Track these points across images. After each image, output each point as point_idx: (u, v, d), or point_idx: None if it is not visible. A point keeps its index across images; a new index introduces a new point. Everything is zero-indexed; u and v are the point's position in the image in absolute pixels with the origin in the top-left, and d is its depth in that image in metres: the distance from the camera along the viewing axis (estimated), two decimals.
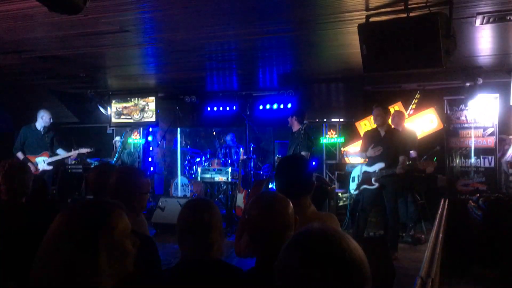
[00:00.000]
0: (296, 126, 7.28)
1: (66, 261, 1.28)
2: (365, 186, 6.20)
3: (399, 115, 7.23)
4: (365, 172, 6.22)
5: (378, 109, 6.17)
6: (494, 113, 7.98)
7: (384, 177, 6.01)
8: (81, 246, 1.30)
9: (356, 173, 6.52)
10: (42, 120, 8.21)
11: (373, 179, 6.08)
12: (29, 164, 7.70)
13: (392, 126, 6.56)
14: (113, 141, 10.89)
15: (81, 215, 1.37)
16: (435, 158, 7.09)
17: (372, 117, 8.53)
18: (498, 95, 7.96)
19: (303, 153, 6.88)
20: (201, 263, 2.11)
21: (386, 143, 6.06)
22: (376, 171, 6.07)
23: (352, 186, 6.57)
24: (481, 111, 8.09)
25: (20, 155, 8.02)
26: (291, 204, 2.08)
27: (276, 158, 8.15)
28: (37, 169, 7.94)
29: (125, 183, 2.66)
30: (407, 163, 6.14)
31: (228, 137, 9.92)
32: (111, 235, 1.35)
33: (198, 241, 2.13)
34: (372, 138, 6.25)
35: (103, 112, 10.63)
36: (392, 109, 8.57)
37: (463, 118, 8.23)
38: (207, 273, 2.08)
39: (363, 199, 6.27)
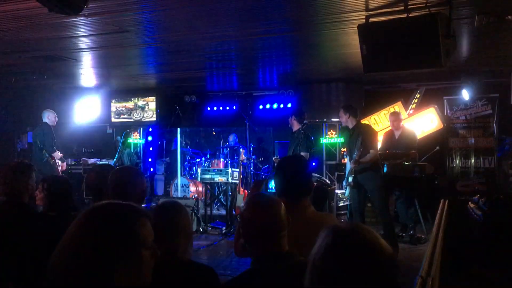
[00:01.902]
0: (296, 126, 7.27)
1: (83, 267, 1.23)
2: (345, 184, 6.33)
3: (395, 116, 7.23)
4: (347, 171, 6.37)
5: (340, 110, 6.33)
6: (494, 113, 7.98)
7: (355, 173, 6.07)
8: (100, 253, 1.24)
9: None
10: (48, 120, 8.25)
11: (349, 177, 6.17)
12: (63, 163, 8.19)
13: (361, 123, 6.60)
14: (114, 140, 10.89)
15: (104, 220, 1.30)
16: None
17: (372, 117, 8.62)
18: (498, 95, 7.97)
19: (302, 153, 6.89)
20: (165, 265, 2.17)
21: (353, 141, 6.18)
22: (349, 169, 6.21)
23: (343, 184, 6.66)
24: (481, 111, 8.09)
25: (57, 154, 8.11)
26: (283, 206, 2.09)
27: (274, 158, 8.13)
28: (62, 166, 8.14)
29: (123, 183, 2.71)
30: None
31: (231, 138, 9.91)
32: (132, 244, 1.30)
33: (163, 244, 2.18)
34: (346, 137, 6.49)
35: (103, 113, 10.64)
36: (392, 108, 8.58)
37: (463, 118, 8.24)
38: (172, 274, 2.12)
39: (351, 197, 6.33)
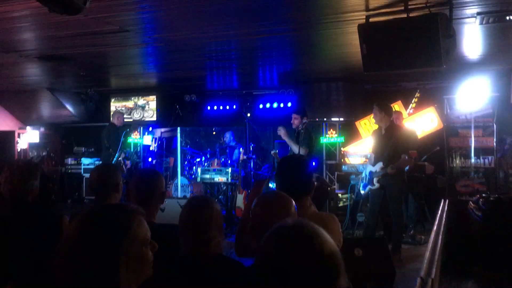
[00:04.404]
0: (297, 124, 7.20)
1: (85, 269, 1.25)
2: (369, 186, 6.18)
3: (395, 115, 7.20)
4: (370, 172, 6.21)
5: (375, 107, 6.12)
6: (494, 113, 7.98)
7: (383, 177, 5.97)
8: (103, 255, 1.26)
9: (365, 173, 6.49)
10: (117, 120, 8.68)
11: (374, 179, 6.05)
12: (128, 161, 8.64)
13: (395, 124, 6.40)
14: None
15: (103, 223, 1.33)
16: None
17: (372, 116, 8.55)
18: (498, 94, 7.96)
19: (301, 150, 6.82)
20: (198, 258, 2.16)
21: (385, 142, 6.00)
22: (377, 171, 6.05)
23: (361, 185, 6.53)
24: (481, 111, 8.08)
25: (122, 153, 8.48)
26: (293, 203, 2.13)
27: (272, 152, 8.04)
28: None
29: (103, 179, 2.88)
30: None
31: (227, 135, 9.87)
32: (132, 244, 1.33)
33: (196, 236, 2.19)
34: (375, 136, 6.24)
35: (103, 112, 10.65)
36: (392, 108, 8.56)
37: (463, 117, 8.23)
38: (204, 267, 2.13)
39: (371, 200, 6.24)
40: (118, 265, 1.28)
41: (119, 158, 8.43)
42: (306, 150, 6.82)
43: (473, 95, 7.96)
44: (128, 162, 8.75)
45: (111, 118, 8.91)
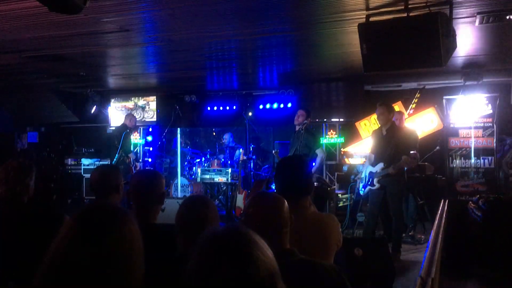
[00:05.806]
0: (301, 121, 7.19)
1: (72, 270, 1.22)
2: (369, 186, 6.18)
3: (398, 115, 7.20)
4: (370, 173, 6.20)
5: (381, 107, 6.05)
6: (494, 113, 7.97)
7: (383, 177, 5.97)
8: (88, 256, 1.24)
9: (364, 173, 6.48)
10: (129, 122, 8.68)
11: (374, 179, 6.05)
12: (137, 163, 8.69)
13: (396, 125, 6.42)
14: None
15: (89, 223, 1.30)
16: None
17: (372, 117, 8.56)
18: (498, 95, 7.96)
19: (317, 150, 6.87)
20: None
21: (386, 142, 6.00)
22: (377, 171, 6.04)
23: (361, 186, 6.52)
24: (481, 111, 8.08)
25: (132, 155, 8.53)
26: (286, 204, 2.12)
27: (274, 152, 8.02)
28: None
29: (104, 179, 2.91)
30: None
31: (226, 136, 9.86)
32: (118, 246, 1.29)
33: (192, 235, 2.18)
34: (375, 137, 6.23)
35: (103, 112, 10.65)
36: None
37: (463, 118, 8.22)
38: None
39: (370, 200, 6.23)
40: (102, 265, 1.25)
41: (130, 159, 8.46)
42: (322, 150, 6.86)
43: (473, 95, 7.96)
44: (138, 164, 8.75)
45: (124, 119, 8.88)
